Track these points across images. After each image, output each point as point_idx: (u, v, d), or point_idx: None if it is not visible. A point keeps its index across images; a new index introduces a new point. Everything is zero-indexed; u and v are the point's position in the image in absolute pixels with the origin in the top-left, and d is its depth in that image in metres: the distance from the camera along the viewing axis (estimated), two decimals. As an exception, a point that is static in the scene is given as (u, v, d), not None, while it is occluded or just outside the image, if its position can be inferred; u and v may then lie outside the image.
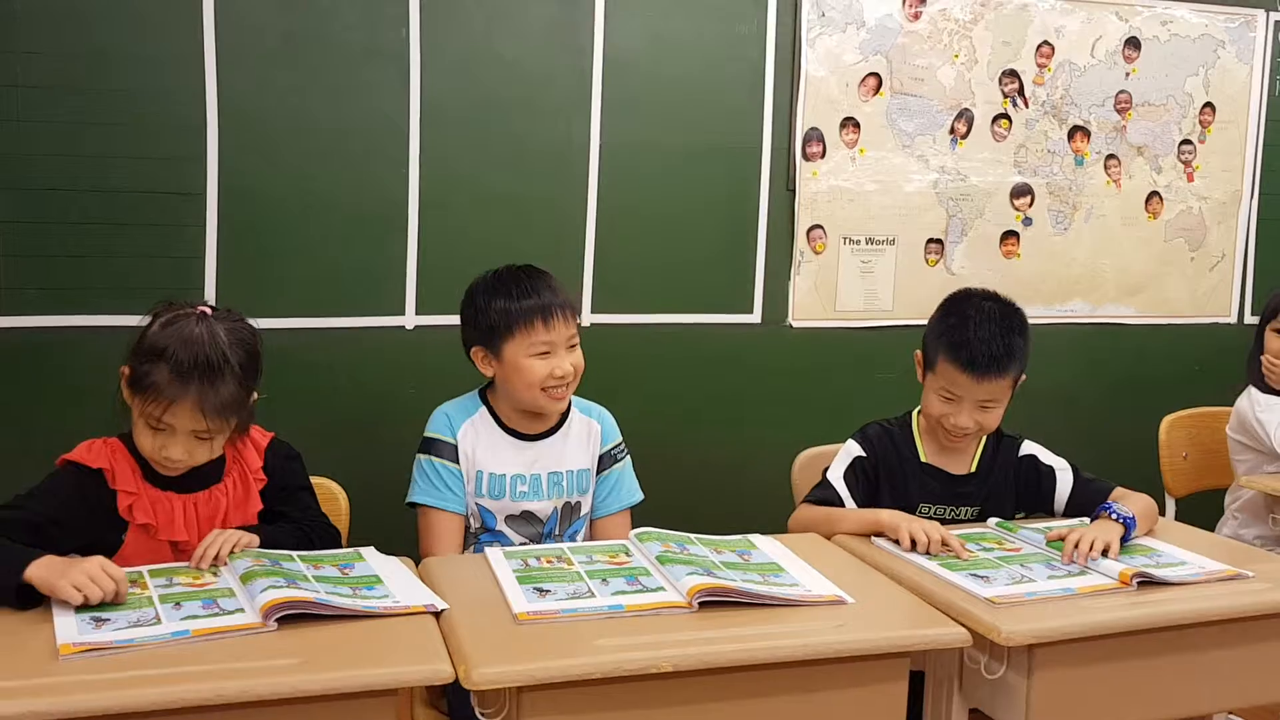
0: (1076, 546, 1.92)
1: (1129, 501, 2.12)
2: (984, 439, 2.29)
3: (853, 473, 2.25)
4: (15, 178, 2.69)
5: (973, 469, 2.28)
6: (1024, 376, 2.23)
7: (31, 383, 2.74)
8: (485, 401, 2.29)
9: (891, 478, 2.27)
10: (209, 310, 1.88)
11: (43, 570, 1.59)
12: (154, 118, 2.76)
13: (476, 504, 2.24)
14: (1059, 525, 2.06)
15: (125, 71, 2.73)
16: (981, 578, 1.82)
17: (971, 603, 1.72)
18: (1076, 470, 2.27)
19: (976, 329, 2.16)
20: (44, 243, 2.73)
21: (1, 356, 2.72)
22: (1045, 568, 1.89)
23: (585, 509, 2.32)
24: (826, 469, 2.28)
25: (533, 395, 2.21)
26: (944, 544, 1.95)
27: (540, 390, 2.20)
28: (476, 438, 2.24)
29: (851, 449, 2.28)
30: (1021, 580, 1.82)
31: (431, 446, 2.24)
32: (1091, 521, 2.03)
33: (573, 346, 2.24)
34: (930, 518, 2.22)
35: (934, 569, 1.87)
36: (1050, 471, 2.26)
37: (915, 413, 2.33)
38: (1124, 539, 1.97)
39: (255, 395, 1.92)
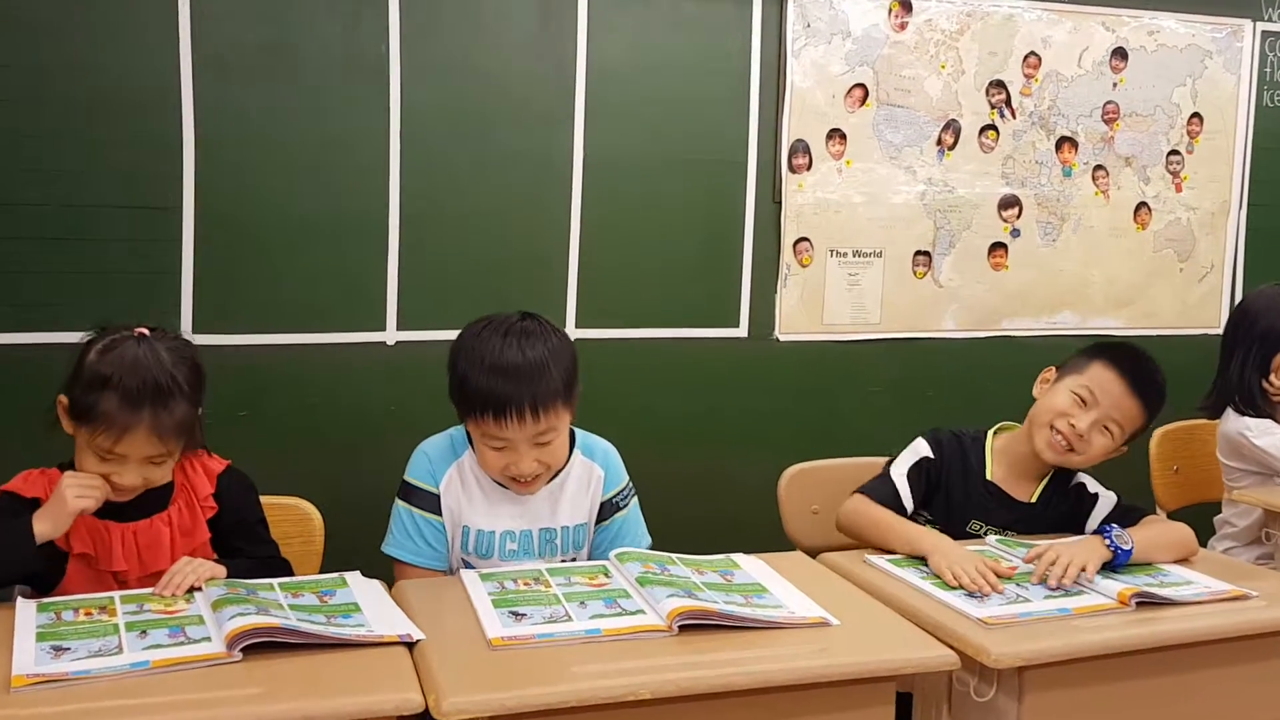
0: (1051, 566, 1.85)
1: (1149, 529, 2.05)
2: (1050, 475, 2.24)
3: (916, 471, 2.19)
4: (-15, 192, 2.65)
5: (1033, 499, 2.23)
6: (1126, 449, 2.21)
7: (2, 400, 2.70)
8: (473, 444, 2.02)
9: (952, 490, 2.22)
10: (147, 332, 1.82)
11: (46, 522, 1.70)
12: (129, 131, 2.73)
13: (463, 559, 2.04)
14: (1038, 545, 1.98)
15: (100, 84, 2.70)
16: (975, 598, 1.78)
17: (961, 624, 1.68)
18: (1119, 499, 2.22)
19: (1146, 359, 2.24)
20: (13, 258, 2.69)
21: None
22: (1042, 587, 1.85)
23: None
24: (890, 461, 2.23)
25: (497, 477, 2.01)
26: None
27: (503, 476, 1.98)
28: (462, 488, 2.02)
29: (920, 448, 2.23)
30: (1017, 600, 1.78)
31: (411, 494, 2.03)
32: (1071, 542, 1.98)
33: (544, 443, 1.93)
34: (977, 535, 2.19)
35: (927, 588, 1.83)
36: (1094, 497, 2.22)
37: (992, 431, 2.29)
38: (1115, 565, 1.91)
39: (201, 411, 1.87)
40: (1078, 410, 2.16)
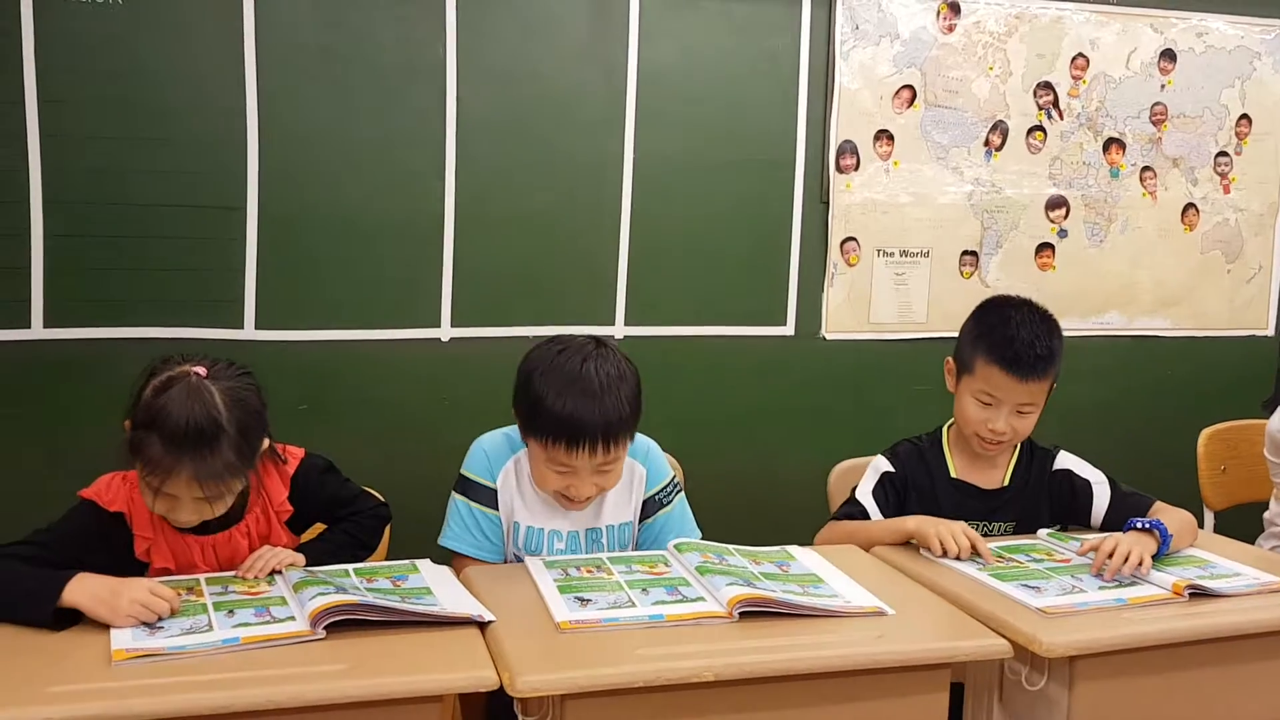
0: (1110, 557, 1.88)
1: (1167, 516, 2.08)
2: (1016, 450, 2.26)
3: (881, 488, 2.23)
4: (61, 192, 2.74)
5: (1005, 483, 2.25)
6: (1054, 385, 2.21)
7: (74, 394, 2.79)
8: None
9: (922, 495, 2.24)
10: (204, 371, 1.74)
11: (86, 598, 1.57)
12: (196, 133, 2.81)
13: (515, 554, 2.08)
14: (1091, 538, 2.01)
15: (168, 88, 2.78)
16: (1033, 588, 1.81)
17: (1013, 613, 1.71)
18: (1114, 484, 2.23)
19: (1019, 329, 2.15)
20: (88, 256, 2.78)
21: (46, 368, 2.77)
22: (1097, 578, 1.88)
23: None
24: (855, 487, 2.26)
25: (547, 492, 2.03)
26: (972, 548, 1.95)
27: (555, 493, 2.01)
28: (516, 486, 2.06)
29: (879, 465, 2.26)
30: (1073, 591, 1.81)
31: (469, 489, 2.06)
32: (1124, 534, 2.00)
33: (606, 470, 1.96)
34: None
35: (985, 579, 1.86)
36: (1086, 486, 2.23)
37: (945, 427, 2.30)
38: (1158, 553, 1.93)
39: (267, 442, 1.84)
40: (988, 413, 2.16)
